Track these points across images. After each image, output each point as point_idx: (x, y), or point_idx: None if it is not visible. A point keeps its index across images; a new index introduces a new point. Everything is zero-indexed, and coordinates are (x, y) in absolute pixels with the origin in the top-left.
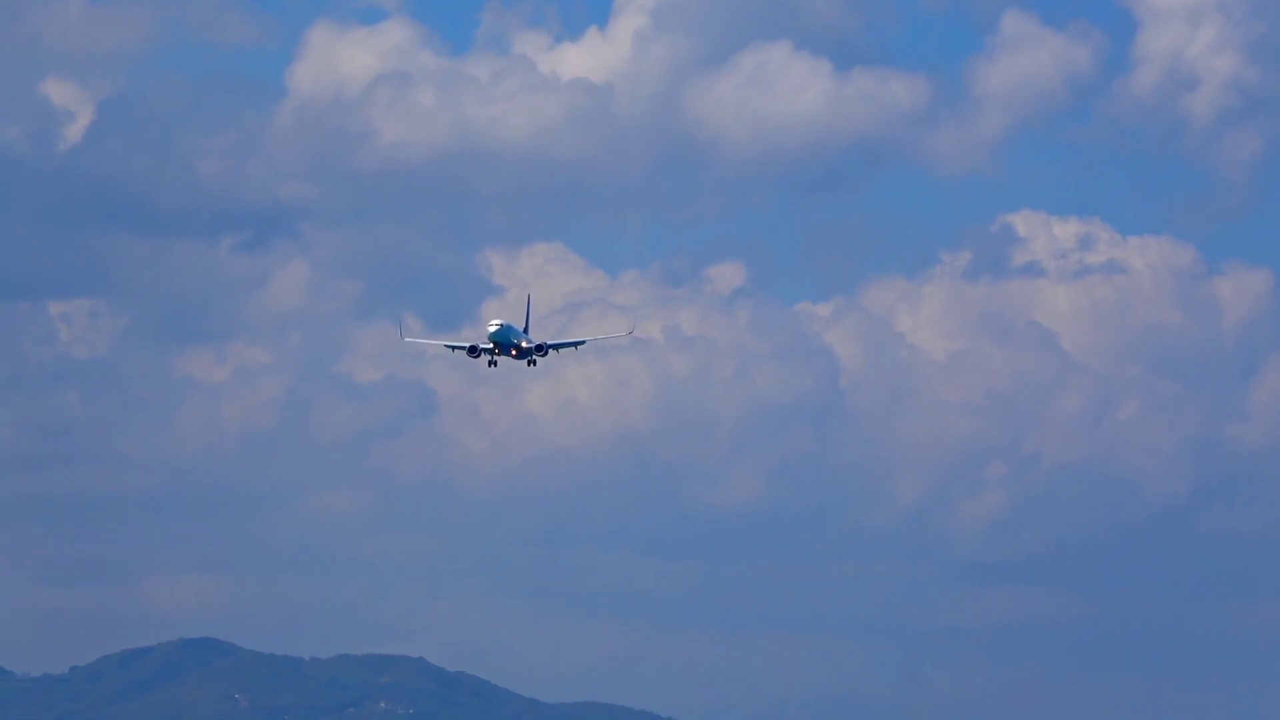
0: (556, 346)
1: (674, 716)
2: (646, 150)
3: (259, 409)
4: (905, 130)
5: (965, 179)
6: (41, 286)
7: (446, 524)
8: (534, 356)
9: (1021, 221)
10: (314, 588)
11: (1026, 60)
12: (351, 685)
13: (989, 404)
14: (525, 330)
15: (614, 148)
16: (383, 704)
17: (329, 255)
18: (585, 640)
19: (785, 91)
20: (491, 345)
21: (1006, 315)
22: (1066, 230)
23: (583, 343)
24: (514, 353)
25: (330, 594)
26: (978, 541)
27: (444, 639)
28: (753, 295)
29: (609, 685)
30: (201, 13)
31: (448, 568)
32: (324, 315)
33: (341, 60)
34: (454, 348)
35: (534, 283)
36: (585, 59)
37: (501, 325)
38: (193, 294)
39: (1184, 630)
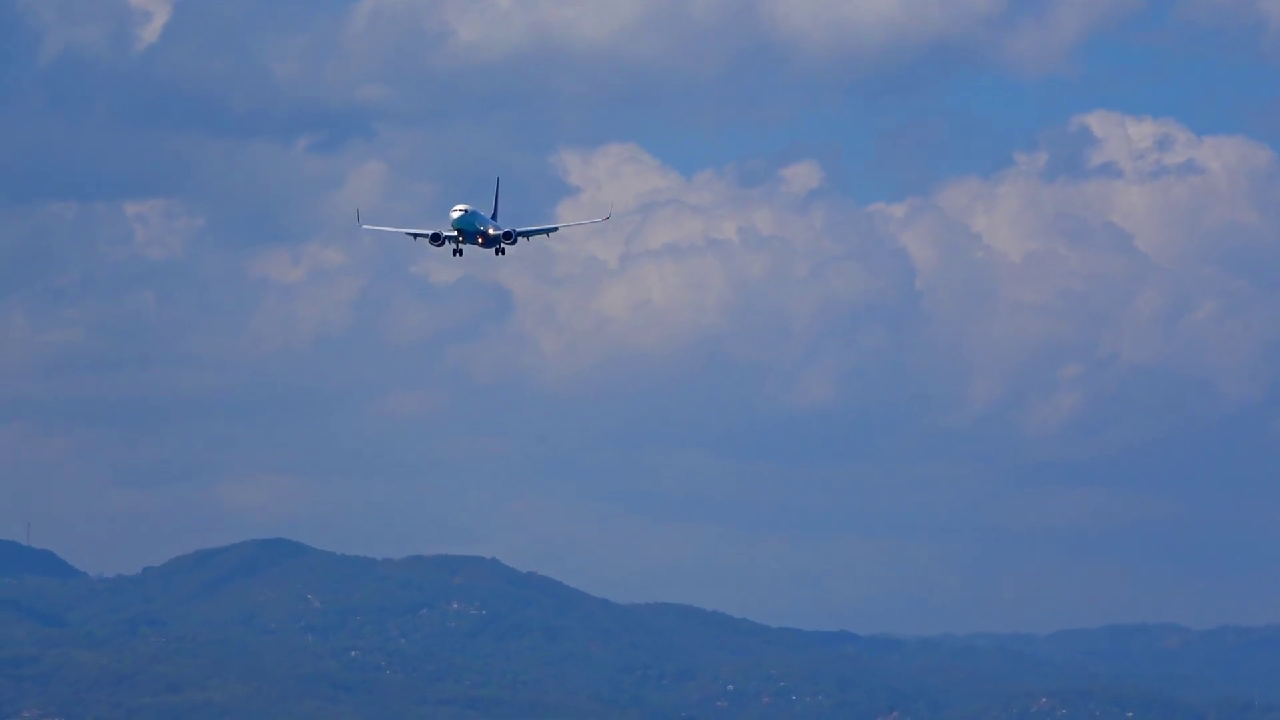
0: (527, 234)
1: (747, 618)
2: (722, 51)
3: (334, 310)
4: (982, 32)
5: (1041, 80)
6: (117, 187)
7: (520, 425)
8: (502, 245)
9: (1097, 122)
10: (387, 489)
11: None
12: (424, 586)
13: (1064, 305)
14: (494, 216)
15: (690, 48)
16: (455, 605)
17: (404, 156)
18: (658, 542)
19: None
20: (455, 233)
21: (1082, 216)
22: (1142, 131)
23: (555, 229)
24: (480, 241)
25: (403, 495)
26: (1052, 443)
27: (516, 540)
28: (828, 196)
29: (682, 587)
30: None
31: (521, 469)
32: (399, 216)
33: None
34: (415, 235)
35: (607, 183)
36: None
37: (465, 211)
38: (268, 195)
39: (1257, 530)
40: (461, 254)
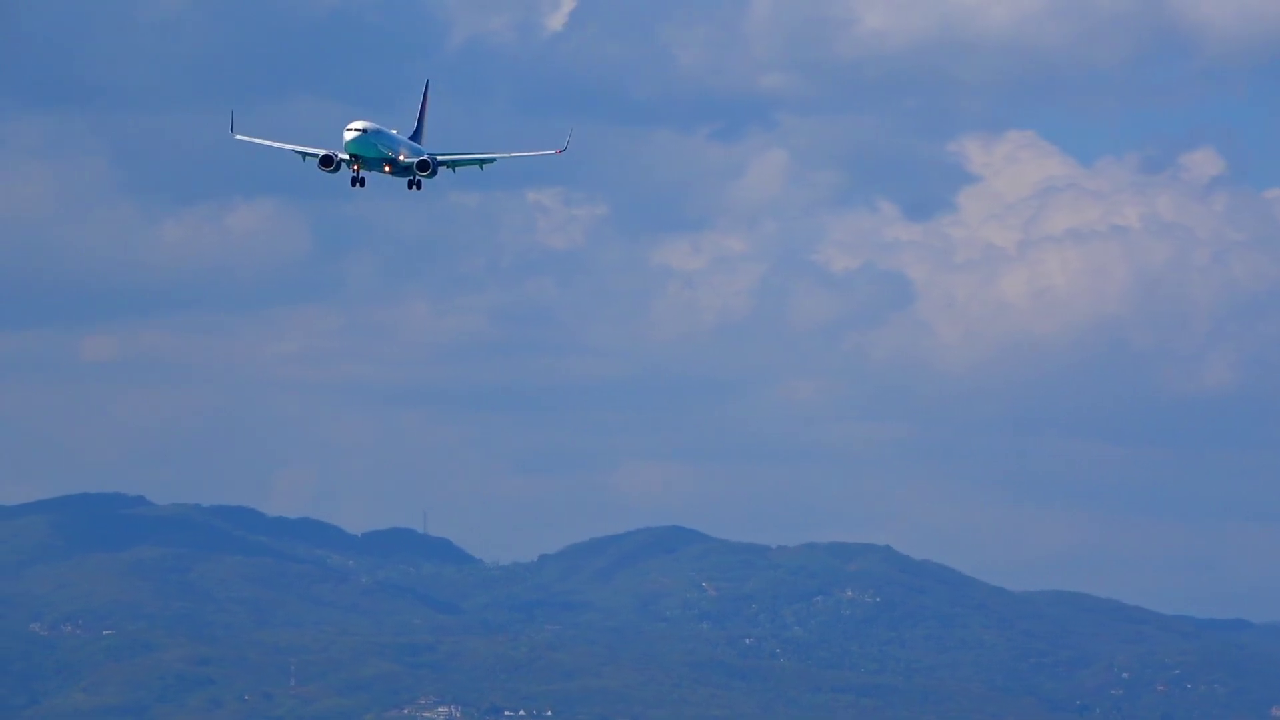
0: (451, 163)
1: (1140, 605)
2: (1125, 39)
3: (734, 298)
4: None
5: None
6: (519, 175)
7: (916, 412)
8: (417, 175)
9: None
10: (781, 476)
11: None
12: (818, 573)
13: None
14: (415, 137)
15: (1093, 37)
16: (849, 592)
17: (805, 143)
18: (1051, 529)
19: None
20: (350, 157)
21: None
22: None
23: (491, 160)
24: (388, 169)
25: (797, 482)
26: None
27: (911, 527)
28: (1230, 183)
29: (1074, 574)
30: None
31: (915, 456)
32: (800, 203)
33: None
34: (304, 154)
35: (1006, 170)
36: None
37: (362, 132)
38: (668, 183)
39: None
40: (363, 184)
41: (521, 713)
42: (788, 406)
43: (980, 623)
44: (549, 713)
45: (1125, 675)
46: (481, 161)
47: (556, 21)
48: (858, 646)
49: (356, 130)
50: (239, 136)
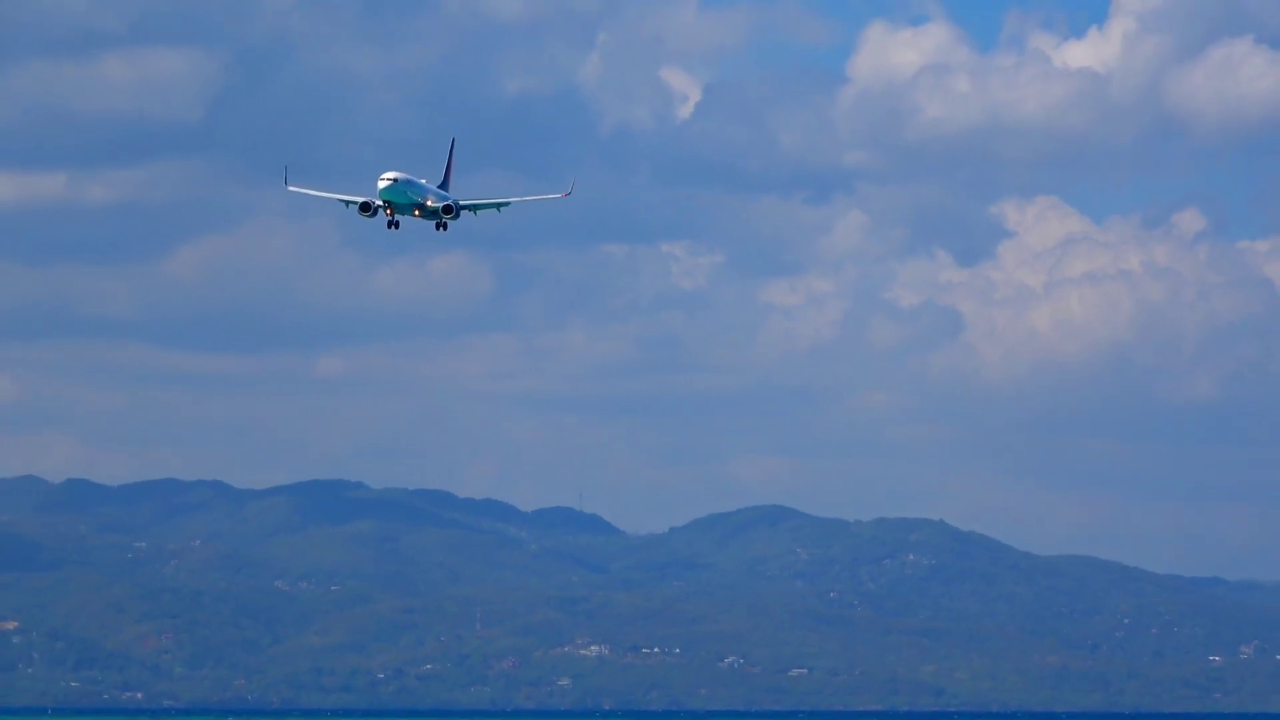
0: (473, 208)
1: (1139, 566)
2: (1131, 124)
3: (823, 327)
4: None
5: None
6: (656, 231)
7: (965, 416)
8: (443, 219)
9: None
10: (858, 466)
11: None
12: (887, 542)
13: None
14: (444, 185)
15: (1106, 122)
16: (911, 556)
17: (879, 206)
18: (1071, 507)
19: (1248, 78)
20: (383, 203)
21: None
22: None
23: (507, 203)
24: (417, 213)
25: (870, 470)
26: None
27: (961, 505)
28: (1211, 237)
29: (1089, 542)
30: (784, 16)
31: (965, 450)
32: (875, 253)
33: (893, 54)
34: (347, 203)
35: (1035, 226)
36: (1087, 53)
37: (394, 181)
38: (772, 237)
39: None
40: (398, 226)
41: (656, 650)
42: (864, 412)
43: (1014, 580)
44: (677, 650)
45: (1126, 621)
46: (498, 205)
47: (686, 111)
48: (918, 599)
49: (388, 179)
50: (291, 188)
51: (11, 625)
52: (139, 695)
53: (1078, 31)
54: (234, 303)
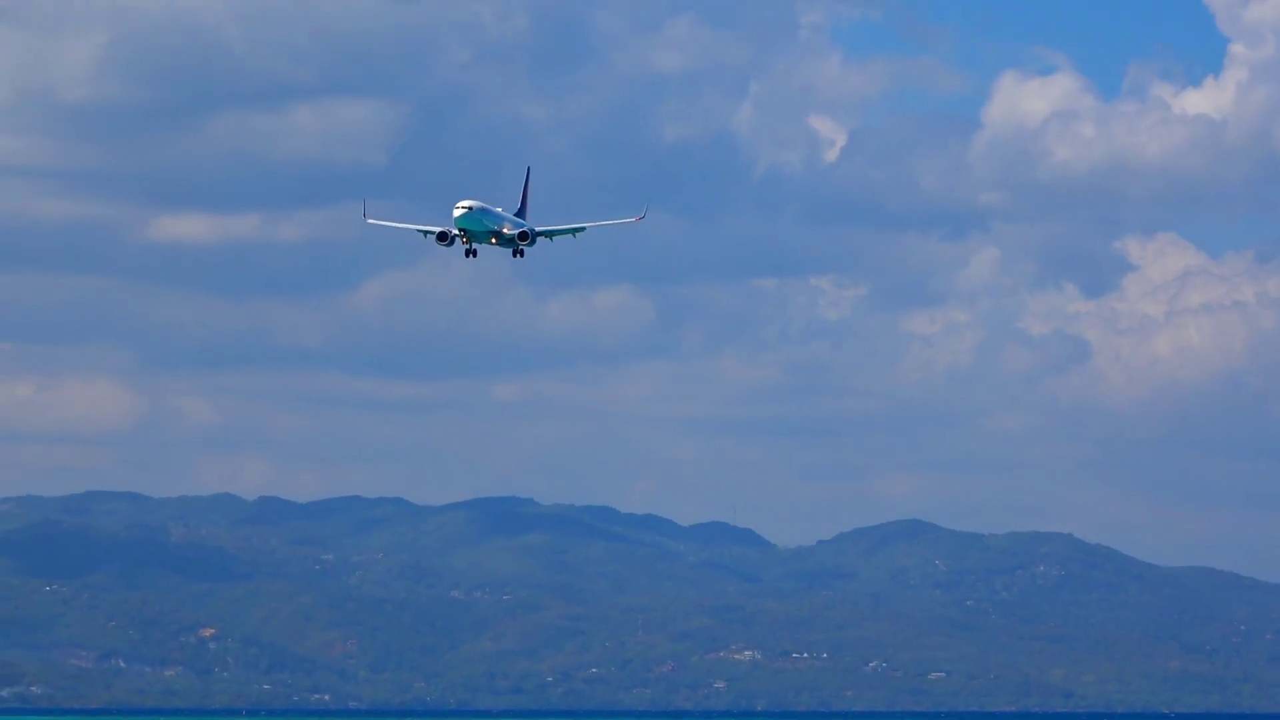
0: (550, 234)
1: (1254, 576)
2: (1244, 165)
3: (959, 354)
4: None
5: None
6: (804, 266)
7: (1092, 436)
8: (519, 246)
9: None
10: (993, 482)
11: None
12: (1018, 554)
13: None
14: (520, 212)
15: (1221, 163)
16: (1041, 567)
17: (1011, 242)
18: (1191, 521)
19: None
20: (459, 232)
21: None
22: None
23: (582, 229)
24: (494, 240)
25: (1004, 487)
26: None
27: (1088, 519)
28: None
29: (1208, 554)
30: (923, 67)
31: (1092, 467)
32: (1007, 286)
33: (1024, 102)
34: (425, 233)
35: (1155, 261)
36: (1203, 101)
37: (469, 209)
38: (912, 271)
39: None
40: (476, 254)
41: (806, 655)
42: (997, 432)
43: (1138, 589)
44: (825, 655)
45: (1243, 628)
46: (574, 231)
47: (832, 155)
48: (1048, 607)
49: (464, 208)
50: (370, 221)
51: (209, 632)
52: (326, 697)
53: (1195, 81)
54: (415, 333)
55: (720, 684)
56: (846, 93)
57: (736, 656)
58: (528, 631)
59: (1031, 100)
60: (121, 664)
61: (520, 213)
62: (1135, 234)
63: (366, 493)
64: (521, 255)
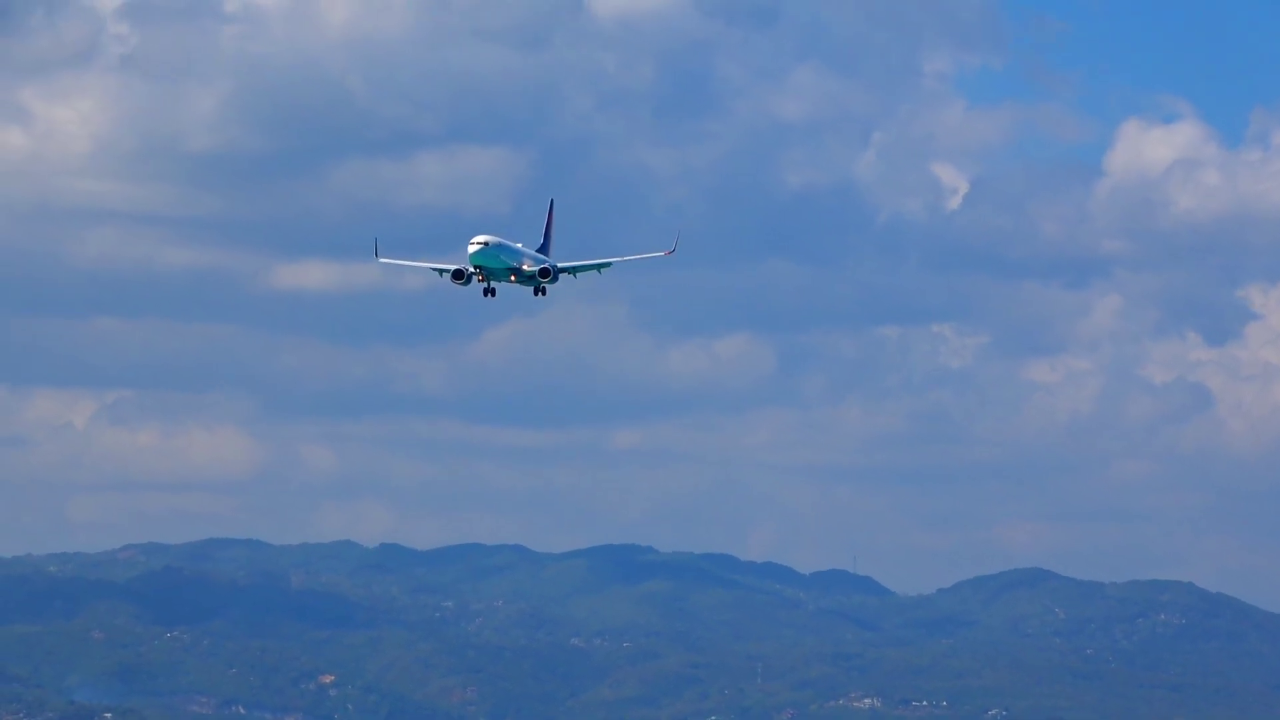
0: (573, 270)
1: None
2: None
3: (1081, 403)
4: None
5: None
6: (926, 313)
7: (1213, 484)
8: (540, 283)
9: None
10: (1113, 530)
11: None
12: (1139, 602)
13: None
14: (543, 249)
15: None
16: (1162, 616)
17: (1134, 290)
18: None
19: None
20: (475, 270)
21: None
22: None
23: (608, 264)
24: (513, 278)
25: (1125, 535)
26: None
27: (1209, 568)
28: None
29: None
30: (1045, 115)
31: (1213, 516)
32: (1129, 334)
33: (1146, 150)
34: (440, 271)
35: (1276, 309)
36: None
37: (484, 245)
38: (1033, 319)
39: None
40: (494, 294)
41: (925, 703)
42: (1120, 481)
43: (1259, 639)
44: (944, 703)
45: None
46: (599, 266)
47: (954, 202)
48: (1168, 656)
49: (479, 244)
50: (382, 260)
51: (329, 679)
52: None
53: None
54: (536, 381)
55: None
56: (969, 140)
57: (856, 704)
58: (647, 679)
59: (1154, 148)
60: (242, 710)
61: (544, 248)
62: (1258, 282)
63: (487, 540)
64: (544, 294)
